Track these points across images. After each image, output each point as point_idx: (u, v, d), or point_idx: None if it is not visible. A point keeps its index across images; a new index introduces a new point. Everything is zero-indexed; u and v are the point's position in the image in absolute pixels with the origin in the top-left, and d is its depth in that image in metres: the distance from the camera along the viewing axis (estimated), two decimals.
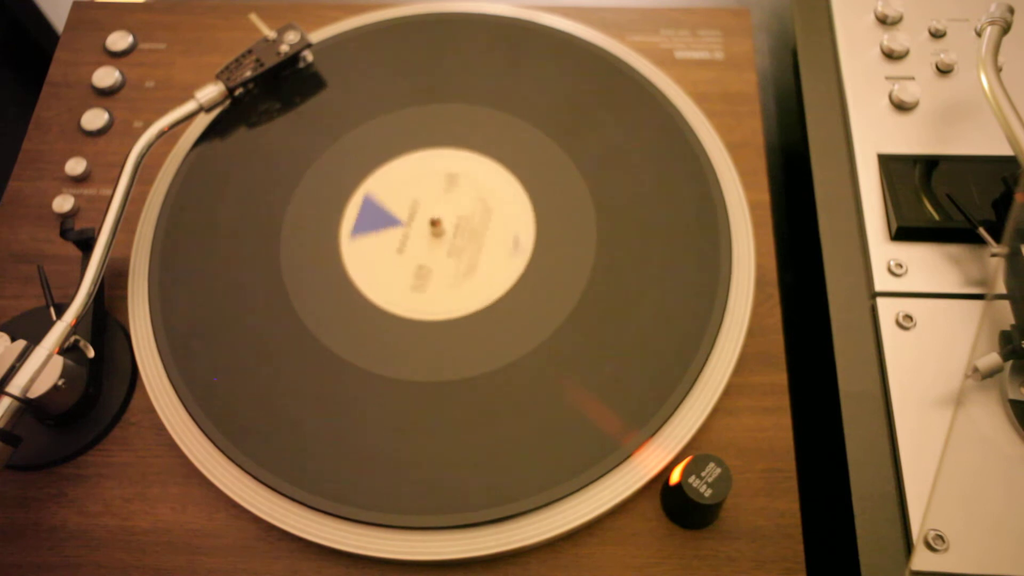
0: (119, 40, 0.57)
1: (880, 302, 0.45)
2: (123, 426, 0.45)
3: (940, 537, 0.39)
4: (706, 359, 0.44)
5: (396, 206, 0.50)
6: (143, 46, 0.57)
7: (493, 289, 0.47)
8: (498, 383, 0.44)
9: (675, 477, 0.40)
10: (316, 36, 0.55)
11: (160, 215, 0.49)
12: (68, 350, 0.42)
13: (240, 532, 0.42)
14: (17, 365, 0.40)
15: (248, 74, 0.51)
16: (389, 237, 0.49)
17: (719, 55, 0.55)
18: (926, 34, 0.54)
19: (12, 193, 0.52)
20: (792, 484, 0.42)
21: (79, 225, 0.50)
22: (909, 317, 0.45)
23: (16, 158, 0.53)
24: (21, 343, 0.41)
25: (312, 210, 0.50)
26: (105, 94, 0.55)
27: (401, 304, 0.46)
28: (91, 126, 0.53)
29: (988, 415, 0.42)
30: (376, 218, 0.49)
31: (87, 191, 0.52)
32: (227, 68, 0.51)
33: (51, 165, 0.53)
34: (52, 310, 0.45)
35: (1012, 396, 0.42)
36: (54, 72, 0.56)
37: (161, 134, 0.48)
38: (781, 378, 0.45)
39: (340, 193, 0.50)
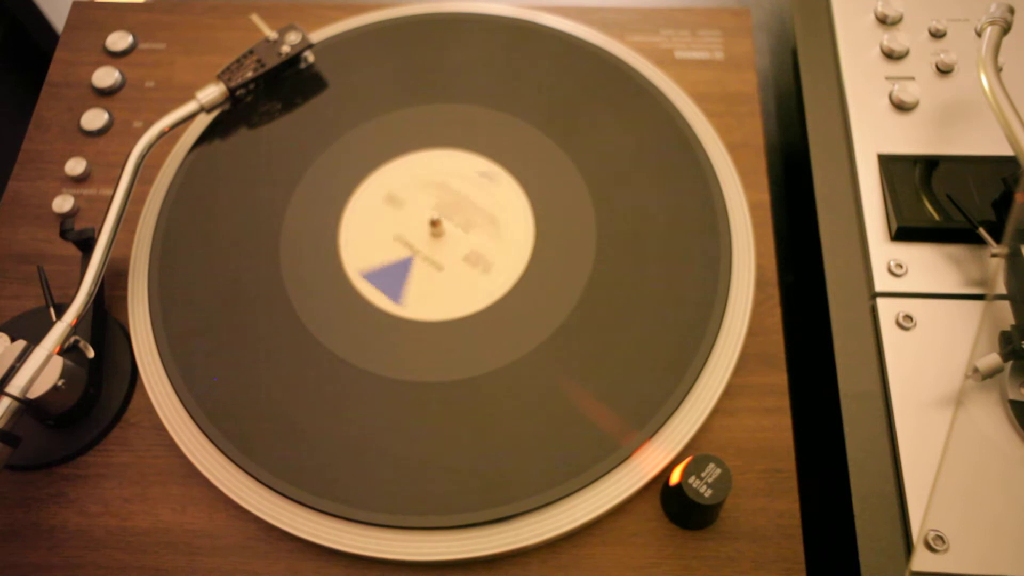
0: (119, 40, 0.57)
1: (880, 302, 0.45)
2: (123, 426, 0.45)
3: (940, 537, 0.39)
4: (706, 359, 0.44)
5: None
6: (143, 46, 0.57)
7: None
8: (498, 383, 0.44)
9: (675, 477, 0.40)
10: (316, 36, 0.55)
11: (160, 215, 0.49)
12: (68, 350, 0.42)
13: (240, 532, 0.42)
14: (17, 365, 0.40)
15: (249, 75, 0.51)
16: (405, 267, 0.48)
17: (719, 55, 0.55)
18: (926, 34, 0.54)
19: (12, 193, 0.52)
20: (792, 484, 0.42)
21: (79, 225, 0.50)
22: (909, 317, 0.45)
23: (16, 158, 0.53)
24: (21, 343, 0.41)
25: (312, 210, 0.50)
26: (105, 94, 0.55)
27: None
28: (91, 126, 0.53)
29: (988, 415, 0.42)
30: (393, 276, 0.48)
31: (87, 191, 0.52)
32: (228, 68, 0.51)
33: (51, 165, 0.53)
34: (52, 310, 0.44)
35: (1012, 396, 0.42)
36: (54, 72, 0.56)
37: (162, 134, 0.48)
38: (781, 378, 0.45)
39: (340, 193, 0.50)
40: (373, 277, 0.47)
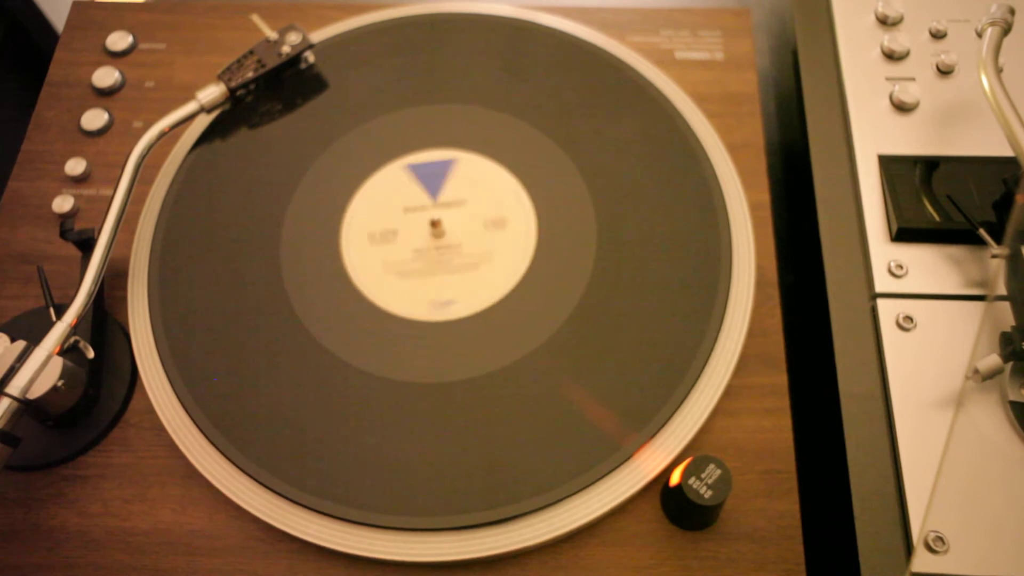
0: (119, 40, 0.57)
1: (880, 303, 0.45)
2: (123, 427, 0.45)
3: (940, 538, 0.39)
4: (706, 360, 0.44)
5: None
6: (143, 46, 0.57)
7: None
8: (498, 384, 0.44)
9: (675, 478, 0.40)
10: (317, 36, 0.55)
11: (160, 215, 0.49)
12: (68, 351, 0.42)
13: (240, 533, 0.42)
14: (17, 366, 0.40)
15: (250, 75, 0.51)
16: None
17: (719, 55, 0.55)
18: (927, 35, 0.54)
19: (12, 193, 0.52)
20: (792, 485, 0.42)
21: (79, 225, 0.50)
22: (909, 318, 0.45)
23: (16, 158, 0.53)
24: (21, 344, 0.41)
25: (312, 210, 0.50)
26: (105, 94, 0.55)
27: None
28: (91, 126, 0.53)
29: (988, 416, 0.42)
30: (435, 172, 0.50)
31: (87, 191, 0.52)
32: (228, 69, 0.51)
33: (51, 165, 0.53)
34: (52, 311, 0.44)
35: (1012, 398, 0.42)
36: (54, 72, 0.56)
37: (162, 135, 0.48)
38: (781, 379, 0.45)
39: (340, 193, 0.50)
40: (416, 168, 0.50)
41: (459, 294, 0.47)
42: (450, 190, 0.50)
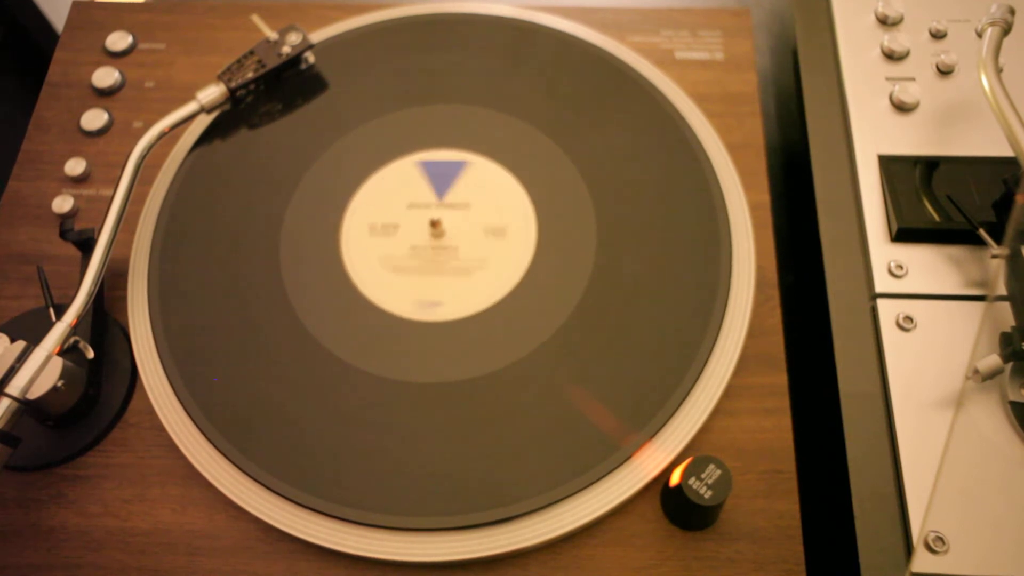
0: (119, 40, 0.57)
1: (880, 303, 0.45)
2: (122, 427, 0.45)
3: (940, 539, 0.39)
4: (706, 360, 0.44)
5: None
6: (143, 46, 0.57)
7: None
8: (498, 384, 0.44)
9: (675, 478, 0.40)
10: (317, 36, 0.55)
11: (160, 215, 0.49)
12: (68, 351, 0.42)
13: (240, 533, 0.42)
14: (17, 366, 0.40)
15: (250, 75, 0.51)
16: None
17: (719, 55, 0.55)
18: (927, 35, 0.54)
19: (12, 193, 0.52)
20: (792, 485, 0.42)
21: (79, 225, 0.50)
22: (909, 318, 0.45)
23: (16, 158, 0.53)
24: (21, 344, 0.41)
25: (312, 211, 0.50)
26: (105, 94, 0.55)
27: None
28: (91, 126, 0.53)
29: (988, 417, 0.42)
30: (446, 172, 0.50)
31: (87, 191, 0.52)
32: (228, 69, 0.51)
33: (51, 165, 0.53)
34: (52, 311, 0.44)
35: (1012, 398, 0.42)
36: (54, 72, 0.56)
37: (162, 135, 0.48)
38: (781, 379, 0.45)
39: (341, 194, 0.50)
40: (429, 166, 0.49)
41: (447, 297, 0.47)
42: (457, 192, 0.50)
